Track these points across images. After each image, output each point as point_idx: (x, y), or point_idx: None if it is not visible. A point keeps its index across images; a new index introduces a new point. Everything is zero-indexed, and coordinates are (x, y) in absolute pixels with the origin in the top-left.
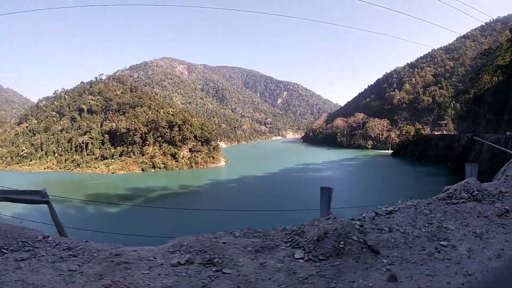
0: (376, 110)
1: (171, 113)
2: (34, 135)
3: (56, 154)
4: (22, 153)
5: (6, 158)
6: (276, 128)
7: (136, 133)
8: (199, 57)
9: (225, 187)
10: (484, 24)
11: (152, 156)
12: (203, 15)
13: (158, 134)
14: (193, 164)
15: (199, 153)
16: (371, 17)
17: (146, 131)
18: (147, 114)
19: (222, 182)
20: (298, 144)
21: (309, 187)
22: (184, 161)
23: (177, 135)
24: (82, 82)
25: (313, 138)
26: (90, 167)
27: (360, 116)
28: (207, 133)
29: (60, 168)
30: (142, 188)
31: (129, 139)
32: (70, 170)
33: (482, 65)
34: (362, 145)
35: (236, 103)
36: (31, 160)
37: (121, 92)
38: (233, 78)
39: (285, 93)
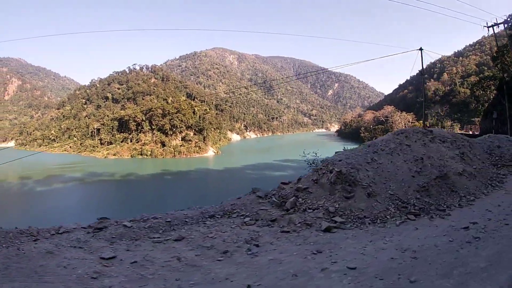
0: (410, 103)
1: (179, 101)
2: (65, 120)
3: (75, 138)
4: (51, 136)
5: (38, 140)
6: (320, 120)
7: (136, 121)
8: (251, 48)
9: (158, 180)
10: None
11: (144, 143)
12: (259, 5)
13: (155, 122)
14: (177, 153)
15: (190, 142)
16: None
17: (144, 119)
18: (153, 103)
19: (170, 173)
20: (328, 138)
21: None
22: (169, 149)
23: (167, 124)
24: (114, 71)
25: (343, 132)
26: (93, 151)
27: (389, 109)
28: (202, 123)
29: (73, 151)
30: (97, 173)
31: (131, 126)
32: (79, 153)
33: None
34: None
35: (283, 94)
36: (57, 142)
37: (143, 82)
38: (285, 68)
39: (336, 84)
